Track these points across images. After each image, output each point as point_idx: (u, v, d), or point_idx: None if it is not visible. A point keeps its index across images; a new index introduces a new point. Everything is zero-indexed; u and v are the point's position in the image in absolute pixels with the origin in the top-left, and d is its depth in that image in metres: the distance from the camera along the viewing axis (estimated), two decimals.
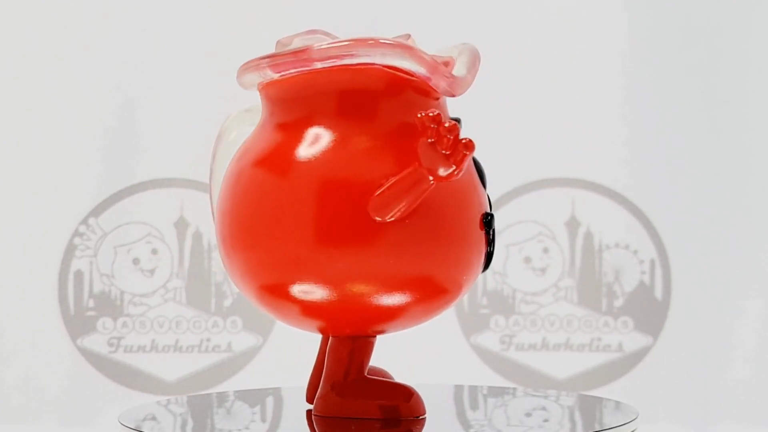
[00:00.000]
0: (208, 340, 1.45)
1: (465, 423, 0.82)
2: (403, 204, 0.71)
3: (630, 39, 1.44)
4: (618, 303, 1.45)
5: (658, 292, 1.45)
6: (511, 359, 1.46)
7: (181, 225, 1.45)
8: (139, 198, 1.44)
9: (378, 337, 0.77)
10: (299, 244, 0.72)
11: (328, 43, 0.73)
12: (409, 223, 0.71)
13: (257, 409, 0.88)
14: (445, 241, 0.73)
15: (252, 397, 0.92)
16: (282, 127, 0.75)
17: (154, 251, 1.44)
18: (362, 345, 0.76)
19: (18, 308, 1.43)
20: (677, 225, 1.45)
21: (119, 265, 1.44)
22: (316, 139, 0.73)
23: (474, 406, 0.89)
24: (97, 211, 1.44)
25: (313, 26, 0.80)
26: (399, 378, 0.82)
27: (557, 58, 1.45)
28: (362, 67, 0.73)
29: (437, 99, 0.75)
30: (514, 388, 1.00)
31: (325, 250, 0.71)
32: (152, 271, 1.44)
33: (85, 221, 1.43)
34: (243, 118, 0.82)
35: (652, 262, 1.45)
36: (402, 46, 0.72)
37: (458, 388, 0.94)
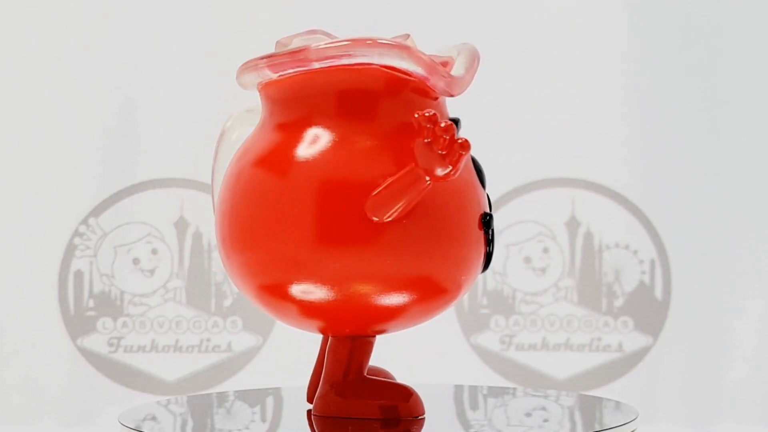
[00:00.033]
0: (208, 340, 1.45)
1: (465, 423, 0.82)
2: (400, 204, 0.71)
3: (630, 39, 1.44)
4: (618, 303, 1.45)
5: (658, 292, 1.45)
6: (511, 359, 1.46)
7: (181, 225, 1.45)
8: (139, 198, 1.44)
9: (378, 337, 0.77)
10: (299, 244, 0.72)
11: (326, 44, 0.73)
12: (408, 223, 0.71)
13: (257, 409, 0.88)
14: (445, 241, 0.73)
15: (252, 397, 0.92)
16: (281, 127, 0.75)
17: (154, 251, 1.44)
18: (361, 345, 0.76)
19: (18, 308, 1.43)
20: (677, 225, 1.45)
21: (119, 265, 1.44)
22: (316, 139, 0.73)
23: (474, 406, 0.89)
24: (97, 211, 1.44)
25: (313, 26, 0.80)
26: (399, 378, 0.82)
27: (557, 58, 1.45)
28: (360, 67, 0.73)
29: (436, 99, 0.75)
30: (514, 388, 1.00)
31: (324, 250, 0.71)
32: (152, 271, 1.44)
33: (85, 221, 1.43)
34: (245, 118, 0.82)
35: (652, 262, 1.45)
36: (399, 46, 0.72)
37: (458, 388, 0.94)
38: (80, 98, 1.43)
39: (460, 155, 0.69)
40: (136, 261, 1.44)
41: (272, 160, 0.74)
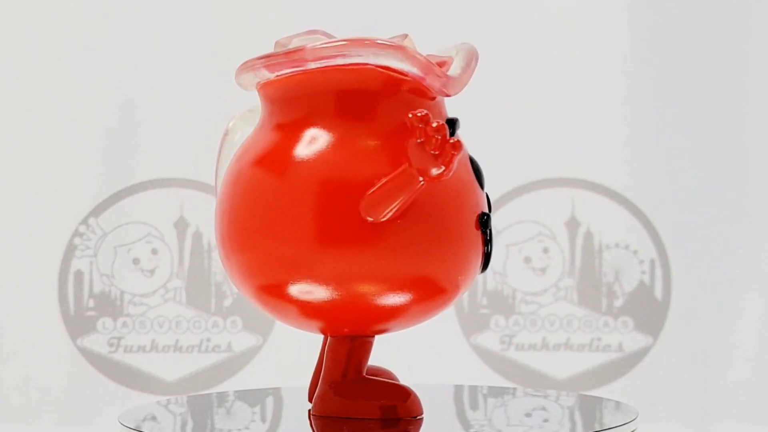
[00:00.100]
0: (208, 340, 1.45)
1: (465, 423, 0.82)
2: (394, 204, 0.71)
3: (630, 39, 1.44)
4: (618, 303, 1.45)
5: (658, 292, 1.45)
6: (511, 359, 1.46)
7: (181, 225, 1.45)
8: (139, 198, 1.44)
9: (378, 337, 0.77)
10: (298, 245, 0.72)
11: (321, 44, 0.73)
12: (406, 223, 0.71)
13: (257, 409, 0.88)
14: (443, 241, 0.73)
15: (252, 397, 0.92)
16: (280, 127, 0.75)
17: (154, 251, 1.44)
18: (361, 345, 0.76)
19: (18, 308, 1.43)
20: (677, 225, 1.45)
21: (119, 265, 1.44)
22: (314, 139, 0.73)
23: (474, 406, 0.89)
24: (97, 211, 1.44)
25: (313, 26, 0.80)
26: (399, 378, 0.82)
27: (557, 58, 1.45)
28: (356, 67, 0.73)
29: (433, 99, 0.75)
30: (514, 388, 1.00)
31: (323, 250, 0.71)
32: (152, 271, 1.44)
33: (85, 221, 1.43)
34: (247, 118, 0.82)
35: (652, 262, 1.45)
36: (394, 47, 0.72)
37: (458, 388, 0.94)
38: (80, 98, 1.43)
39: (453, 155, 0.69)
40: (136, 261, 1.44)
41: (271, 161, 0.74)
